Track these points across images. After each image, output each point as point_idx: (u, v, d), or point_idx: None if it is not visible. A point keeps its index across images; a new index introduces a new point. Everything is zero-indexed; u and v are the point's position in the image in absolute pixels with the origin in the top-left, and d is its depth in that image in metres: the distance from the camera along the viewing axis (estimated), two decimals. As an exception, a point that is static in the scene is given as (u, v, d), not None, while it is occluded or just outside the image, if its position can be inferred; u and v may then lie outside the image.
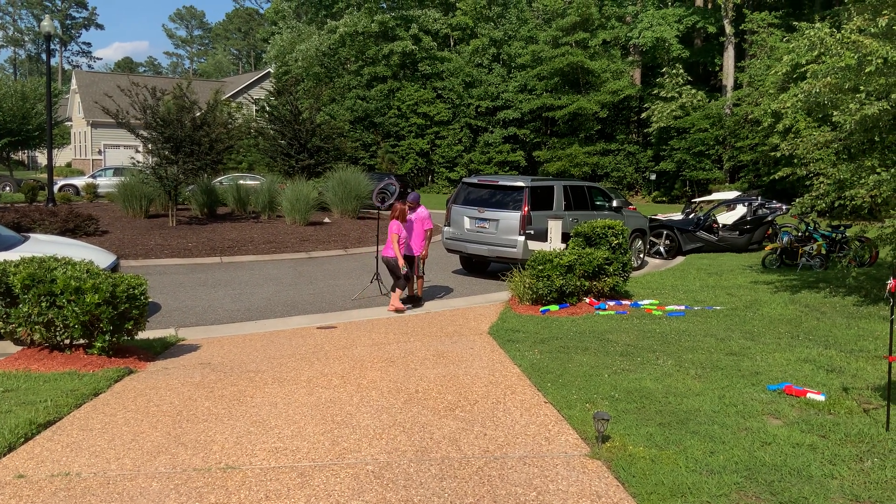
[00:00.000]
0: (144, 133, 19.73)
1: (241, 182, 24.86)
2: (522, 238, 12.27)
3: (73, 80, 52.52)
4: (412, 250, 10.72)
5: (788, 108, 10.55)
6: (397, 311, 10.21)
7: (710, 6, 38.03)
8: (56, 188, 27.67)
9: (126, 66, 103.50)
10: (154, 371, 7.03)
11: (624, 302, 10.56)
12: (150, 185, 20.33)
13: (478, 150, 42.12)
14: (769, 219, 17.19)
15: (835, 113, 9.91)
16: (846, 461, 4.67)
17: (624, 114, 40.72)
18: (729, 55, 35.61)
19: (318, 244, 17.54)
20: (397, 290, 10.35)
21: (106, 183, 29.58)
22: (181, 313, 10.15)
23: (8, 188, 32.97)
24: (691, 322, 9.24)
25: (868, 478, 4.43)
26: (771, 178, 20.49)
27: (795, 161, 12.08)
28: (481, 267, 14.21)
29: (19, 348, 7.42)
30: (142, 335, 7.92)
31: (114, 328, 7.06)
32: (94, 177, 31.86)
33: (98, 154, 47.05)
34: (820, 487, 4.28)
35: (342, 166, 24.68)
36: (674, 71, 34.88)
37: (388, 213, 11.41)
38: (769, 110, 11.70)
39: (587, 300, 10.39)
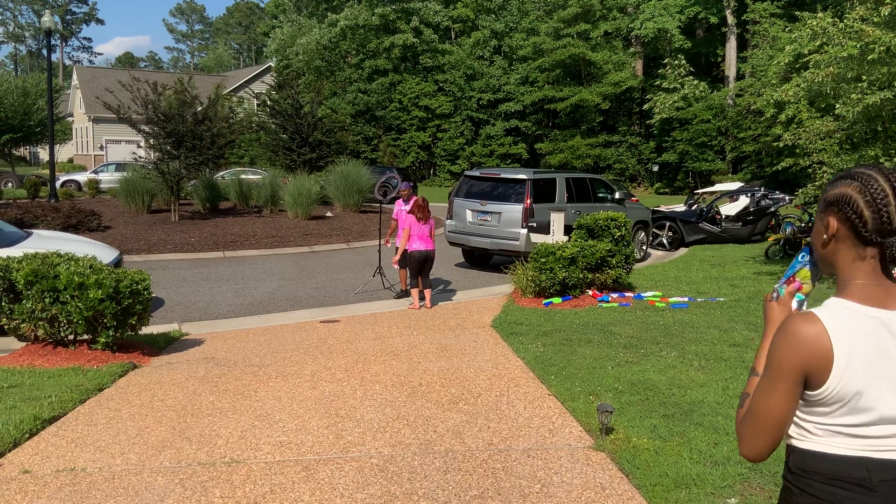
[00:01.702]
0: (146, 128, 19.72)
1: (243, 176, 24.83)
2: (525, 231, 12.25)
3: (74, 76, 52.42)
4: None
5: (791, 98, 10.49)
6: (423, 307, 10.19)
7: (711, -4, 37.87)
8: (58, 184, 27.67)
9: (127, 61, 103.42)
10: (158, 366, 7.05)
11: (627, 294, 10.55)
12: (153, 181, 20.34)
13: (479, 142, 42.07)
14: (772, 210, 17.15)
15: (837, 105, 9.88)
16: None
17: (626, 105, 40.61)
18: (731, 46, 35.49)
19: (321, 238, 17.54)
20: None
21: (108, 178, 29.57)
22: (184, 308, 10.16)
23: (10, 184, 32.97)
24: (694, 314, 9.24)
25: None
26: (774, 168, 20.44)
27: (798, 151, 12.05)
28: (484, 260, 14.20)
29: (23, 344, 7.43)
30: (145, 330, 7.93)
31: (117, 323, 7.06)
32: (96, 172, 31.85)
33: (100, 149, 47.02)
34: (824, 478, 4.27)
35: (344, 160, 24.67)
36: (676, 62, 34.65)
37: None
38: (771, 101, 11.63)
39: (590, 292, 10.38)
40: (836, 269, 1.74)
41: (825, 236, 1.72)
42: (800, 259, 1.84)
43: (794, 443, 1.72)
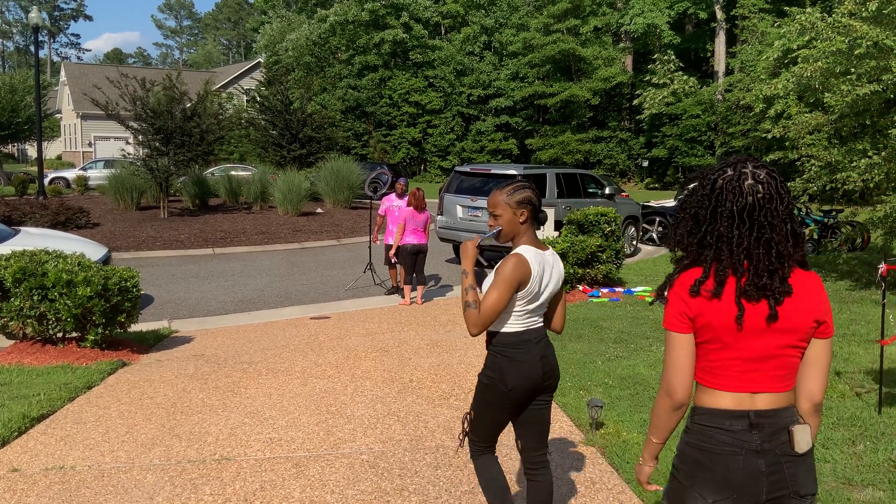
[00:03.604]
0: (134, 125, 19.58)
1: (233, 173, 24.73)
2: (515, 226, 12.23)
3: (63, 72, 52.10)
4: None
5: (780, 92, 10.53)
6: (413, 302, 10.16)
7: (701, -8, 37.94)
8: (46, 181, 27.47)
9: (115, 57, 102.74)
10: (147, 363, 7.02)
11: (617, 289, 10.58)
12: (141, 177, 20.20)
13: (470, 138, 42.05)
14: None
15: (827, 95, 9.91)
16: (839, 445, 4.69)
17: (616, 101, 40.68)
18: (720, 41, 35.59)
19: (311, 235, 17.50)
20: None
21: (97, 175, 29.36)
22: (174, 305, 10.12)
23: (-2, 181, 32.72)
24: (684, 308, 9.24)
25: (860, 461, 4.45)
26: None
27: (787, 145, 12.10)
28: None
29: (11, 342, 7.39)
30: (135, 327, 7.89)
31: (106, 321, 7.03)
32: (84, 169, 31.64)
33: (88, 146, 46.76)
34: (813, 471, 4.29)
35: (334, 156, 24.57)
36: (665, 57, 34.79)
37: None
38: (761, 96, 11.72)
39: (580, 288, 10.40)
40: (518, 235, 3.07)
41: (521, 220, 3.06)
42: (489, 234, 3.12)
43: (494, 329, 3.07)
